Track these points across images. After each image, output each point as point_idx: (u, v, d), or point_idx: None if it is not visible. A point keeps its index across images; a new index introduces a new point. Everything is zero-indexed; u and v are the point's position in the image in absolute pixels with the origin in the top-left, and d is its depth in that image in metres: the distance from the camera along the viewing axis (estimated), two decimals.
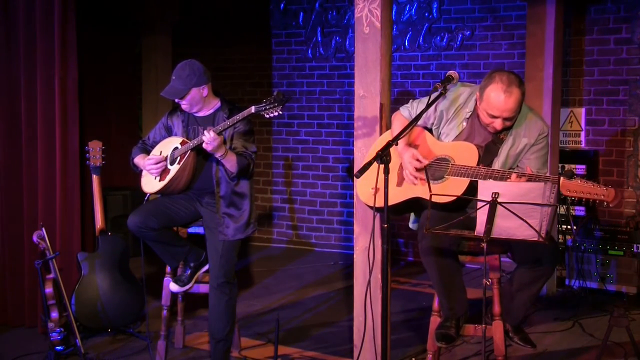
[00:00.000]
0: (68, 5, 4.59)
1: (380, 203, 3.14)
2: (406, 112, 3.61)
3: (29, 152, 4.67)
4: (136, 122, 7.12)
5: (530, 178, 3.10)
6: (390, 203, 3.12)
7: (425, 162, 3.36)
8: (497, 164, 3.35)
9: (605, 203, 3.04)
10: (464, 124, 3.44)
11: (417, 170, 3.37)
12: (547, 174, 3.21)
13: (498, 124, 3.29)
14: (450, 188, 3.27)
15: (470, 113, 3.43)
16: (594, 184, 3.04)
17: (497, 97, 3.23)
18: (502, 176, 3.18)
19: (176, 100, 3.88)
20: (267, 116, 3.56)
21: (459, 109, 3.46)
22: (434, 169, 3.38)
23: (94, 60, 6.13)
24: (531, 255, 3.28)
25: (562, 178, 3.04)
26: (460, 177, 3.27)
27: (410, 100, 3.67)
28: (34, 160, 4.66)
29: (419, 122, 3.44)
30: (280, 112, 3.55)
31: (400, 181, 3.49)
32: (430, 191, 3.15)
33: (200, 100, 3.88)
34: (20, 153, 4.69)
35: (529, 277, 3.36)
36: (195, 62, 3.86)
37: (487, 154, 3.36)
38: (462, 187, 3.25)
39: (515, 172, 3.17)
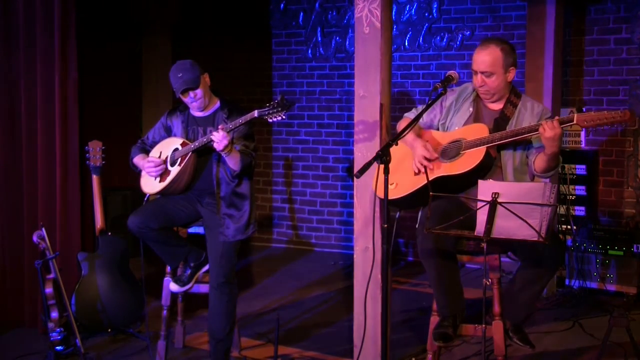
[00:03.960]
0: (68, 6, 4.59)
1: (400, 193, 3.27)
2: (412, 114, 3.67)
3: (29, 152, 4.67)
4: (136, 122, 7.11)
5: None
6: (409, 190, 3.33)
7: (435, 155, 3.43)
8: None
9: (623, 124, 3.21)
10: (471, 109, 3.55)
11: (426, 159, 3.43)
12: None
13: (478, 80, 3.45)
14: (467, 160, 3.36)
15: (475, 97, 3.56)
16: (607, 111, 3.16)
17: (475, 53, 3.49)
18: (518, 134, 3.29)
19: (189, 97, 3.87)
20: (270, 120, 3.57)
21: (465, 99, 3.59)
22: (448, 151, 3.45)
23: (94, 61, 6.13)
24: (534, 254, 3.29)
25: (575, 114, 3.17)
26: (476, 148, 3.36)
27: (414, 108, 3.74)
28: (34, 160, 4.66)
29: (425, 123, 3.54)
30: (284, 117, 3.55)
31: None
32: (430, 191, 3.16)
33: (208, 90, 3.92)
34: (20, 153, 4.69)
35: (531, 275, 3.37)
36: (183, 60, 3.91)
37: (497, 129, 3.42)
38: (479, 156, 3.32)
39: (534, 127, 3.25)
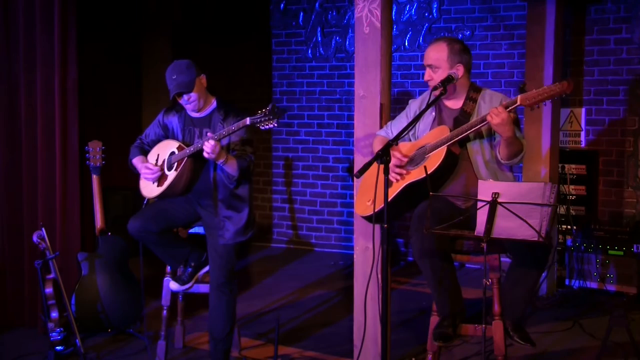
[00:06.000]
0: (68, 6, 4.59)
1: (379, 205, 3.21)
2: (383, 132, 3.74)
3: (29, 152, 4.67)
4: (136, 122, 7.11)
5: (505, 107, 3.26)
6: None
7: (405, 159, 3.48)
8: (471, 136, 3.46)
9: (563, 94, 3.18)
10: (433, 113, 3.59)
11: (397, 167, 3.46)
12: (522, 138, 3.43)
13: (426, 74, 3.53)
14: (431, 162, 3.40)
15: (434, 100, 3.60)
16: (547, 86, 3.20)
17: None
18: (472, 126, 3.34)
19: (184, 99, 3.87)
20: (262, 128, 3.57)
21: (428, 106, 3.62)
22: (415, 159, 3.49)
23: (94, 60, 6.13)
24: (522, 252, 3.31)
25: (519, 96, 3.22)
26: (437, 149, 3.41)
27: (385, 126, 3.77)
28: (34, 160, 4.66)
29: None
30: (276, 125, 3.56)
31: (390, 182, 3.53)
32: (430, 191, 3.17)
33: (204, 92, 3.91)
34: (20, 153, 4.69)
35: (520, 271, 3.39)
36: (180, 60, 3.90)
37: (458, 127, 3.44)
38: (441, 156, 3.37)
39: (484, 117, 3.28)
